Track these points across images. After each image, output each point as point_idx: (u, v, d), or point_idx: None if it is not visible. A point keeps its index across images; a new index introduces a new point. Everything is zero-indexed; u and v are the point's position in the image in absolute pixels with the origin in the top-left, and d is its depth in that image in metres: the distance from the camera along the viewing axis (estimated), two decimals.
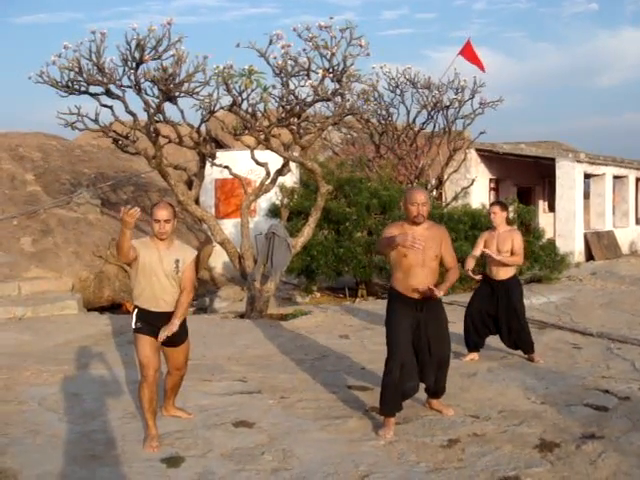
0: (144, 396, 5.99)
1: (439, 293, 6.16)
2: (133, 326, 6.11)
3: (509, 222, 9.24)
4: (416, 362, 6.37)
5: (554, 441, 5.98)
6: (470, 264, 8.94)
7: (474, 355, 9.12)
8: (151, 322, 6.03)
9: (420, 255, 6.23)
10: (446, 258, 6.48)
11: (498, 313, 8.97)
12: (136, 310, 6.13)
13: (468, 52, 21.75)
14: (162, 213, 5.96)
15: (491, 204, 9.58)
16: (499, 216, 8.95)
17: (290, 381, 8.03)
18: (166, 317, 6.03)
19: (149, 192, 20.09)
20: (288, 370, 8.59)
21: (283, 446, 5.90)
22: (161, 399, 6.88)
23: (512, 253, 8.83)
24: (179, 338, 6.22)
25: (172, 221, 6.02)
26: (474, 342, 9.17)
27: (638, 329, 10.98)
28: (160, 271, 5.99)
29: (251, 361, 9.12)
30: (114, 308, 15.18)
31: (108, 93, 11.82)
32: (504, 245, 8.83)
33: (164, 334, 5.87)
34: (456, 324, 10.49)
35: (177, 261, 6.04)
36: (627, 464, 5.45)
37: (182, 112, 12.38)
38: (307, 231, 13.32)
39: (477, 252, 8.98)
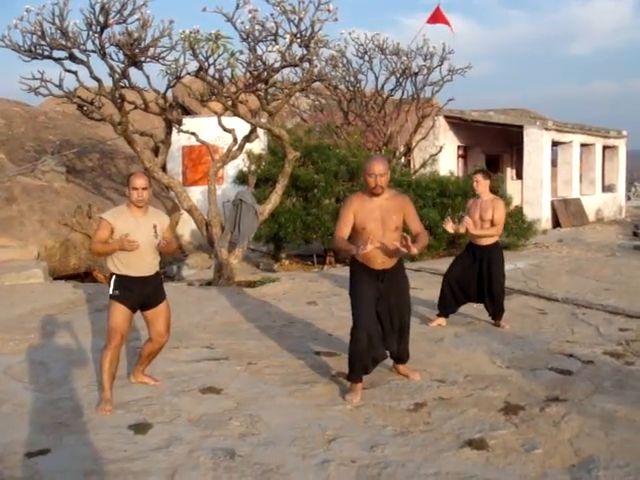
0: (105, 357, 6.12)
1: (414, 249, 5.99)
2: (110, 292, 6.23)
3: (492, 190, 9.21)
4: (381, 330, 6.43)
5: (519, 404, 6.07)
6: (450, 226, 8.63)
7: (441, 321, 9.17)
8: (130, 288, 6.19)
9: (380, 227, 6.20)
10: (411, 226, 6.34)
11: (481, 279, 9.01)
12: (114, 277, 6.25)
13: (437, 16, 21.65)
14: (140, 182, 6.20)
15: (474, 172, 9.53)
16: (482, 184, 8.93)
17: (257, 347, 8.06)
18: (145, 281, 6.27)
19: (115, 159, 19.91)
20: (255, 337, 8.61)
21: (250, 412, 5.93)
22: (131, 366, 6.92)
23: (492, 222, 8.86)
24: (156, 297, 6.40)
25: (149, 189, 6.29)
26: (448, 308, 9.21)
27: (603, 295, 11.12)
28: (138, 236, 6.13)
29: (218, 328, 9.14)
30: (80, 276, 15.09)
31: (72, 58, 11.63)
32: (486, 214, 8.82)
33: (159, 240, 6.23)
34: (424, 291, 10.61)
35: (155, 226, 6.29)
36: (589, 426, 5.55)
37: (148, 78, 12.27)
38: (275, 198, 13.30)
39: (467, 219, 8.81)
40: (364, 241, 6.14)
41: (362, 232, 6.21)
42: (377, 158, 6.51)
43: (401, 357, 6.83)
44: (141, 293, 6.26)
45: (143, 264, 6.25)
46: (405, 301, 6.60)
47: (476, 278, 9.04)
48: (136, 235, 6.12)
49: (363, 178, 6.40)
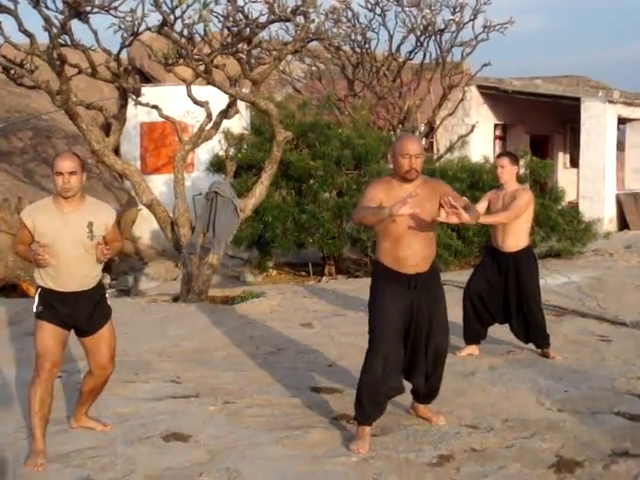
0: (34, 395, 5.98)
1: (464, 215, 5.98)
2: (34, 310, 6.11)
3: (520, 180, 9.11)
4: (404, 356, 6.39)
5: (575, 459, 6.02)
6: None
7: (473, 349, 9.16)
8: (56, 306, 6.04)
9: (414, 219, 6.16)
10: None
11: (507, 295, 8.96)
12: (39, 290, 6.13)
13: None
14: (66, 164, 5.93)
15: (498, 155, 9.51)
16: (508, 171, 8.85)
17: (237, 382, 8.05)
18: (78, 299, 6.07)
19: (53, 138, 19.88)
20: (234, 367, 8.61)
21: (227, 464, 5.90)
22: (71, 406, 6.87)
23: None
24: (93, 319, 6.21)
25: (79, 174, 5.98)
26: (474, 332, 9.18)
27: None
28: (65, 238, 5.94)
29: (187, 357, 9.13)
30: (5, 290, 15.07)
31: None
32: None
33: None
34: (451, 310, 10.48)
35: (90, 224, 6.00)
36: None
37: (96, 33, 12.19)
38: (260, 190, 13.29)
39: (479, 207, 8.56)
40: (393, 239, 6.20)
41: (390, 227, 6.18)
42: (410, 136, 6.59)
43: (429, 396, 6.80)
44: (72, 314, 6.09)
45: (73, 276, 6.04)
46: (442, 319, 6.56)
47: (502, 294, 9.01)
48: (62, 237, 5.92)
49: (393, 160, 6.36)
